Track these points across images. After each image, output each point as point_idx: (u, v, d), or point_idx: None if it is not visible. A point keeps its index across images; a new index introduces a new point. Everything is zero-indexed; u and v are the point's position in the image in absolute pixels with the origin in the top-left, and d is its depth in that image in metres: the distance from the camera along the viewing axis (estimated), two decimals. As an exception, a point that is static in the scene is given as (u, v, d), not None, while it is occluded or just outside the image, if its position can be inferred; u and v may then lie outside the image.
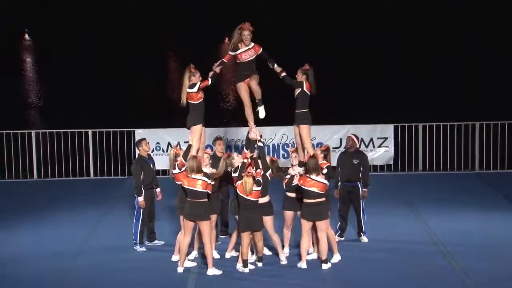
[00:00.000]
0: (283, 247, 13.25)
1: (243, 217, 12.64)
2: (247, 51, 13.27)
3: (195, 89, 13.18)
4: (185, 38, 59.40)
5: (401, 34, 54.88)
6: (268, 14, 68.77)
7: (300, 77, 13.32)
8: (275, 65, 13.33)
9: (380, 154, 20.18)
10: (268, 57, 13.34)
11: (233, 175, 12.91)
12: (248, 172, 12.61)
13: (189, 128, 13.37)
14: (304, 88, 13.26)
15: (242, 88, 13.37)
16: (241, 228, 12.67)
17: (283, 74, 13.29)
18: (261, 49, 13.31)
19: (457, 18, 61.19)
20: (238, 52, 13.27)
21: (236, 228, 13.20)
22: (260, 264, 12.80)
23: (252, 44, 13.28)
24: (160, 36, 60.08)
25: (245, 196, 12.54)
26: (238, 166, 12.82)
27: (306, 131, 13.37)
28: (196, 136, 13.20)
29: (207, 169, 12.86)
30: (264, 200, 12.90)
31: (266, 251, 13.30)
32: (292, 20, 65.63)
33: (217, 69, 13.44)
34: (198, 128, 13.27)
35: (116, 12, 70.42)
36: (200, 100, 13.27)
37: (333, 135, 20.28)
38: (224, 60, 13.41)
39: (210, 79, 13.28)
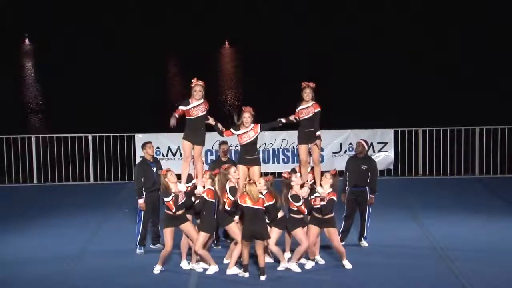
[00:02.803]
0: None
1: (246, 227, 12.56)
2: (247, 133, 13.15)
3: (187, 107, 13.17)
4: (185, 40, 59.43)
5: (401, 37, 54.90)
6: (266, 15, 68.91)
7: (310, 97, 13.28)
8: (283, 120, 13.34)
9: (380, 158, 20.17)
10: (271, 123, 13.36)
11: (229, 195, 12.86)
12: (250, 181, 12.60)
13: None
14: (316, 109, 13.27)
15: (241, 171, 13.21)
16: (244, 236, 12.59)
17: (293, 117, 13.31)
18: (259, 126, 13.20)
19: (457, 19, 61.25)
20: (237, 133, 13.22)
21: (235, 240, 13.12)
22: (263, 278, 12.51)
23: (252, 125, 13.18)
24: (160, 38, 60.13)
25: (251, 206, 12.48)
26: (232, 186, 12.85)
27: (318, 148, 13.47)
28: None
29: (178, 186, 12.84)
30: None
31: (268, 259, 13.26)
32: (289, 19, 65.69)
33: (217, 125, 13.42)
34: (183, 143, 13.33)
35: (116, 14, 70.46)
36: (189, 117, 13.16)
37: (333, 140, 20.30)
38: (224, 135, 13.41)
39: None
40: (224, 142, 14.60)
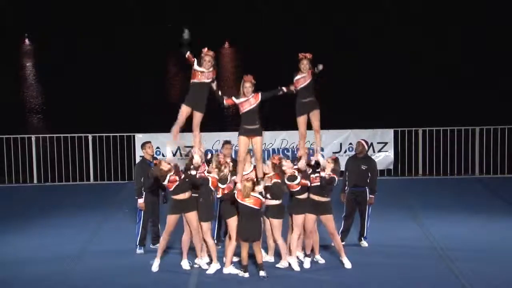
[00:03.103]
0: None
1: (241, 225, 12.58)
2: (248, 100, 12.95)
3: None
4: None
5: (401, 38, 54.87)
6: (265, 14, 68.86)
7: (307, 68, 13.21)
8: (284, 88, 13.18)
9: (380, 159, 20.17)
10: (272, 91, 13.14)
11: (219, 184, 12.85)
12: (248, 178, 12.60)
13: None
14: (311, 76, 13.22)
15: (242, 142, 13.06)
16: (240, 237, 12.63)
17: (293, 88, 13.21)
18: (260, 94, 12.98)
19: (457, 18, 61.16)
20: (238, 101, 13.01)
21: (228, 235, 13.11)
22: (262, 273, 12.53)
23: (253, 94, 12.99)
24: (160, 38, 60.08)
25: (243, 202, 12.50)
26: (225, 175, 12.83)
27: (318, 115, 13.30)
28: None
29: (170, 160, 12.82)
30: (275, 202, 12.84)
31: (269, 258, 13.26)
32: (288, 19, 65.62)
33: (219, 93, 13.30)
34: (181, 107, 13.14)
35: (116, 15, 70.43)
36: (194, 80, 13.03)
37: (333, 140, 20.30)
38: (226, 102, 13.17)
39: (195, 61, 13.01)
40: (227, 142, 14.42)
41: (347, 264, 12.96)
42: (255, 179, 12.65)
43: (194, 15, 71.10)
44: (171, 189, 12.79)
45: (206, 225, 12.92)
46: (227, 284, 12.32)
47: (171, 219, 12.87)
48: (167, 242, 13.07)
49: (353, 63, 44.90)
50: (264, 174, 12.98)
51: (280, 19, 69.34)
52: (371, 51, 50.08)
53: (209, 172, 12.97)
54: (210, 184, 12.83)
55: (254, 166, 13.22)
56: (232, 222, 12.83)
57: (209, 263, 13.04)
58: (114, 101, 34.85)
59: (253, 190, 12.44)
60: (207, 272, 12.81)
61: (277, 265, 12.98)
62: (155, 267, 12.89)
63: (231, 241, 12.82)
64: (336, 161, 13.08)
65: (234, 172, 13.05)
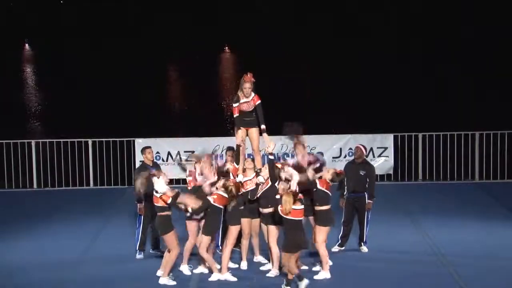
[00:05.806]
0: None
1: (289, 238, 12.22)
2: (247, 103, 13.18)
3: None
4: (185, 45, 59.45)
5: (401, 44, 54.92)
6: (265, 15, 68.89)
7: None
8: (263, 126, 13.24)
9: (380, 163, 20.18)
10: (261, 116, 13.23)
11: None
12: (289, 190, 12.29)
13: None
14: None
15: (240, 134, 13.31)
16: (291, 250, 12.18)
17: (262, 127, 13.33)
18: (259, 101, 13.17)
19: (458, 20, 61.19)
20: (238, 103, 13.21)
21: (226, 243, 13.04)
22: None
23: (252, 95, 13.14)
24: (160, 44, 60.16)
25: (286, 217, 12.13)
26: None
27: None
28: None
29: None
30: (269, 210, 12.80)
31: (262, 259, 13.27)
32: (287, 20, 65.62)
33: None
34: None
35: (116, 19, 70.50)
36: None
37: (333, 145, 20.30)
38: (235, 115, 13.35)
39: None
40: (230, 148, 14.39)
41: (321, 276, 12.64)
42: (296, 191, 12.32)
43: (193, 15, 71.14)
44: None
45: (206, 239, 12.83)
46: (227, 290, 12.33)
47: (173, 235, 12.67)
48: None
49: (353, 64, 44.88)
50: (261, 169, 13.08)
51: (280, 19, 69.34)
52: (370, 52, 50.06)
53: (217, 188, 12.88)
54: (213, 202, 12.67)
55: (256, 172, 13.23)
56: (235, 230, 12.81)
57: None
58: (114, 105, 34.87)
59: (294, 202, 12.13)
60: (209, 279, 12.73)
61: (268, 275, 12.82)
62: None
63: (227, 248, 12.77)
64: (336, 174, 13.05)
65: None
